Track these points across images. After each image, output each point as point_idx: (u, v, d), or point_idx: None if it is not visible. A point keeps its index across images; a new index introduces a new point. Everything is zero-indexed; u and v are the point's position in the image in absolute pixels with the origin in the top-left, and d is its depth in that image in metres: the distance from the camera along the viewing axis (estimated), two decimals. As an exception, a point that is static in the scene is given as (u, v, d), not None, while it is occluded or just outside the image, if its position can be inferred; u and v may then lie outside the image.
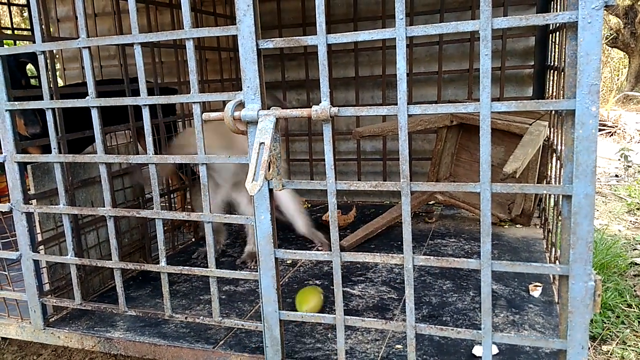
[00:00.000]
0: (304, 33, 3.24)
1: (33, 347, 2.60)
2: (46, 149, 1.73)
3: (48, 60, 1.76)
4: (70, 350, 2.54)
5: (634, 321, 2.43)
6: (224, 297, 2.00)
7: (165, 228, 2.58)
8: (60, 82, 4.01)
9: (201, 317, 1.60)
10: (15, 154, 1.65)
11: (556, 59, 2.27)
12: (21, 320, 1.86)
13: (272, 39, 1.26)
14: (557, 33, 2.24)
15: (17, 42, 2.89)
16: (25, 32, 3.73)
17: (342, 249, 2.22)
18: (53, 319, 1.88)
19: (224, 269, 1.52)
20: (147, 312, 1.70)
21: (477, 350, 1.53)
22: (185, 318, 1.63)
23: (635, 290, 2.71)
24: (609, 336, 2.33)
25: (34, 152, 2.08)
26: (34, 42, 1.56)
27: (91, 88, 1.51)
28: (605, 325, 2.40)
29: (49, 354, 2.54)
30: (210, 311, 1.86)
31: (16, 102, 1.62)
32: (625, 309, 2.53)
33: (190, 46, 1.35)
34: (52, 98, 1.64)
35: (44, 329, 1.81)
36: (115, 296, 1.69)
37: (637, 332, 2.35)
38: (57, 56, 3.99)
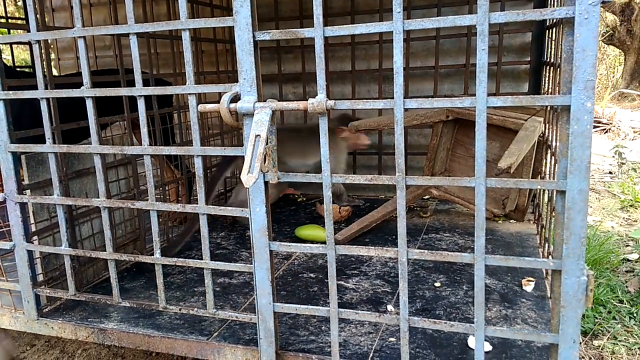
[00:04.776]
0: (301, 26, 3.23)
1: (26, 337, 2.59)
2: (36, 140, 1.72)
3: (43, 50, 1.75)
4: (63, 341, 2.54)
5: (625, 316, 2.45)
6: (218, 289, 2.01)
7: (160, 220, 2.58)
8: (55, 72, 3.99)
9: (195, 309, 1.60)
10: (9, 144, 1.64)
11: (552, 55, 2.27)
12: (14, 311, 1.85)
13: (268, 30, 1.26)
14: (554, 29, 2.24)
15: (12, 31, 2.87)
16: (19, 21, 3.70)
17: (337, 242, 2.22)
18: (47, 310, 1.88)
19: (218, 261, 1.52)
20: (141, 303, 1.70)
21: (472, 342, 1.54)
22: (180, 310, 1.63)
23: (626, 286, 2.74)
24: (600, 331, 2.35)
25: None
26: (29, 31, 1.55)
27: (86, 78, 1.50)
28: (596, 320, 2.42)
29: (43, 345, 2.54)
30: (204, 303, 1.86)
31: (10, 92, 1.60)
32: (617, 304, 2.55)
33: (186, 37, 1.35)
34: (46, 88, 1.63)
35: (38, 319, 1.81)
36: (109, 287, 1.69)
37: (628, 327, 2.37)
38: (52, 46, 3.96)
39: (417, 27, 1.14)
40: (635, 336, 2.29)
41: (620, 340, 2.27)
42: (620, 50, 11.96)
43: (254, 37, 1.26)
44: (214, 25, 1.34)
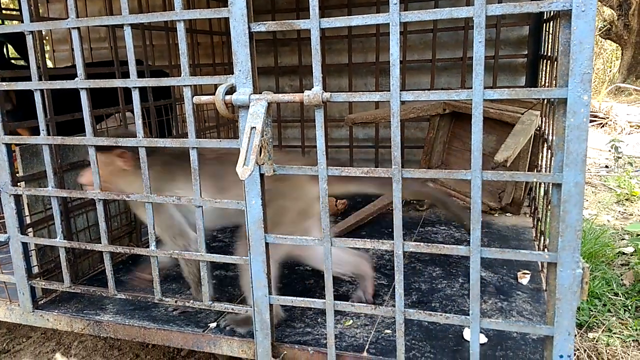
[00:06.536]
0: (298, 18, 3.21)
1: (22, 329, 2.59)
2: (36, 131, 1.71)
3: (37, 41, 1.74)
4: (59, 333, 2.54)
5: (620, 309, 2.46)
6: (214, 281, 2.00)
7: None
8: (50, 64, 3.96)
9: (191, 301, 1.60)
10: (3, 135, 1.63)
11: (549, 49, 2.27)
12: (10, 303, 1.85)
13: (264, 22, 1.25)
14: (552, 22, 2.23)
15: (5, 21, 2.85)
16: (14, 12, 3.66)
17: (333, 235, 2.21)
18: (42, 302, 1.87)
19: (215, 253, 1.52)
20: (136, 295, 1.70)
21: (467, 334, 1.54)
22: (175, 302, 1.63)
23: (622, 279, 2.75)
24: (595, 324, 2.37)
25: (23, 134, 2.05)
26: (22, 21, 1.53)
27: (80, 69, 1.49)
28: (591, 313, 2.43)
29: (39, 337, 2.54)
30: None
31: (4, 83, 1.59)
32: (612, 297, 2.56)
33: (181, 28, 1.34)
34: (40, 79, 1.62)
35: (33, 311, 1.80)
36: (105, 279, 1.69)
37: (622, 319, 2.39)
38: (46, 38, 3.94)
39: (413, 19, 1.13)
40: (629, 329, 2.31)
41: (614, 333, 2.28)
42: (618, 45, 11.94)
43: (249, 28, 1.25)
44: (209, 16, 1.33)
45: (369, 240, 1.32)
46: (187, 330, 1.65)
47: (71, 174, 1.98)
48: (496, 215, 2.65)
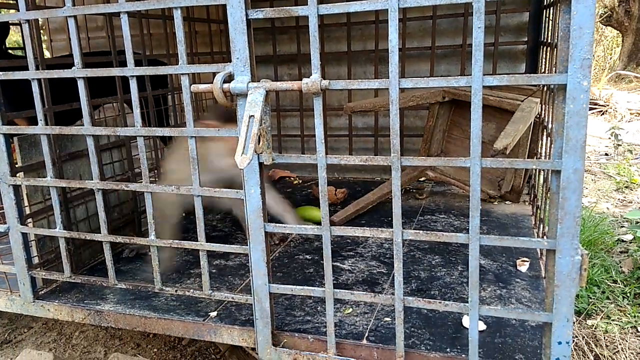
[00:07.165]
0: (296, 5, 3.19)
1: (24, 320, 2.60)
2: (33, 121, 1.71)
3: (33, 30, 1.72)
4: (61, 323, 2.55)
5: (618, 296, 2.47)
6: (214, 270, 2.01)
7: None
8: (47, 54, 3.94)
9: (191, 290, 1.61)
10: (1, 125, 1.63)
11: (549, 35, 2.25)
12: (10, 293, 1.85)
13: (262, 9, 1.24)
14: (552, 8, 2.22)
15: (1, 10, 2.84)
16: (11, 1, 3.64)
17: (333, 224, 2.21)
18: (43, 292, 1.88)
19: (214, 243, 1.52)
20: (137, 285, 1.70)
21: (466, 321, 1.55)
22: (176, 291, 1.63)
23: (620, 267, 2.76)
24: (594, 311, 2.38)
25: (21, 124, 2.04)
26: (18, 10, 1.52)
27: (77, 58, 1.48)
28: (590, 300, 2.44)
29: (40, 327, 2.55)
30: (200, 284, 1.87)
31: (0, 72, 1.58)
32: (611, 284, 2.58)
33: (177, 15, 1.33)
34: (37, 69, 1.61)
35: (34, 301, 1.81)
36: (105, 269, 1.69)
37: (621, 307, 2.40)
38: (43, 27, 3.91)
39: (412, 4, 1.12)
40: (628, 316, 2.32)
41: (613, 320, 2.29)
42: (618, 32, 11.88)
43: (246, 15, 1.24)
44: (206, 3, 1.32)
45: (368, 228, 1.32)
46: (187, 319, 1.65)
47: (70, 164, 1.98)
48: (495, 203, 2.65)
